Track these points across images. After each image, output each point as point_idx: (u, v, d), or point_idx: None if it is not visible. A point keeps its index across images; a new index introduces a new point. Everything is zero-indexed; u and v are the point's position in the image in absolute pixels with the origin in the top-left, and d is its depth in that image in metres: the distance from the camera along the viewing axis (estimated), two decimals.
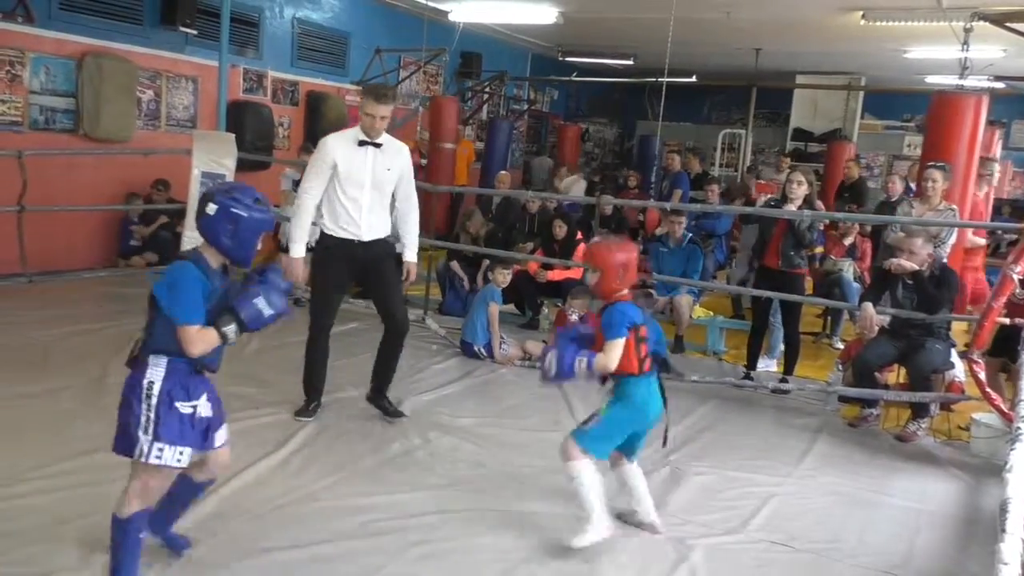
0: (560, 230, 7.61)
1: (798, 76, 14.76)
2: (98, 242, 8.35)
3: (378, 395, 4.71)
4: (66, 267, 7.61)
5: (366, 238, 4.40)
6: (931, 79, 13.02)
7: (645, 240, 8.79)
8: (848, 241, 7.67)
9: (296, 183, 7.52)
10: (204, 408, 2.66)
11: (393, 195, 4.55)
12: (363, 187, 4.34)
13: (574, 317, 6.15)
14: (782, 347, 6.16)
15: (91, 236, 8.27)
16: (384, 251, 4.52)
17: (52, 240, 7.43)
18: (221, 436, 2.78)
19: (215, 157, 7.13)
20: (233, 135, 7.54)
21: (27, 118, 7.70)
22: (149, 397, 2.56)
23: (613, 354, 3.18)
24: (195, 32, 8.69)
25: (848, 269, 7.49)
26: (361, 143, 4.33)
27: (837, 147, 12.41)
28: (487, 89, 13.76)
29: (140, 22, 8.49)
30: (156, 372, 2.59)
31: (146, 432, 2.55)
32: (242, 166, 7.48)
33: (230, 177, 7.18)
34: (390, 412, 4.68)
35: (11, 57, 7.52)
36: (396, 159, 4.42)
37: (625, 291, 3.28)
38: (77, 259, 7.98)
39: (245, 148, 7.84)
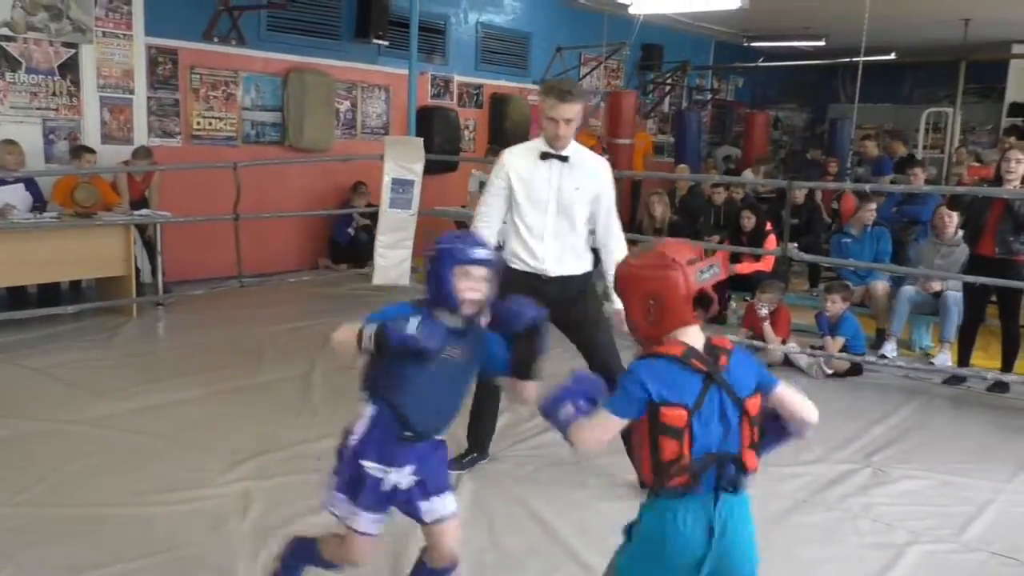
0: (748, 221, 7.37)
1: (1015, 45, 13.45)
2: (302, 246, 8.96)
3: None
4: (273, 270, 8.22)
5: (553, 273, 3.56)
6: None
7: (832, 233, 8.31)
8: None
9: (483, 184, 7.76)
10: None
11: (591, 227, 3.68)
12: (544, 211, 3.53)
13: (763, 312, 5.93)
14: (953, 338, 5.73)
15: (297, 241, 8.88)
16: (582, 288, 3.65)
17: (262, 245, 8.04)
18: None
19: (404, 163, 7.45)
20: (422, 140, 7.85)
21: (240, 133, 8.40)
22: None
23: (587, 434, 1.88)
24: (386, 43, 9.13)
25: None
26: (544, 156, 3.53)
27: None
28: (669, 80, 13.53)
29: (337, 37, 9.02)
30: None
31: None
32: (430, 169, 7.77)
33: (418, 182, 7.48)
34: None
35: (227, 78, 8.22)
36: (589, 178, 3.55)
37: (668, 338, 1.89)
38: (284, 263, 8.60)
39: (433, 151, 8.14)
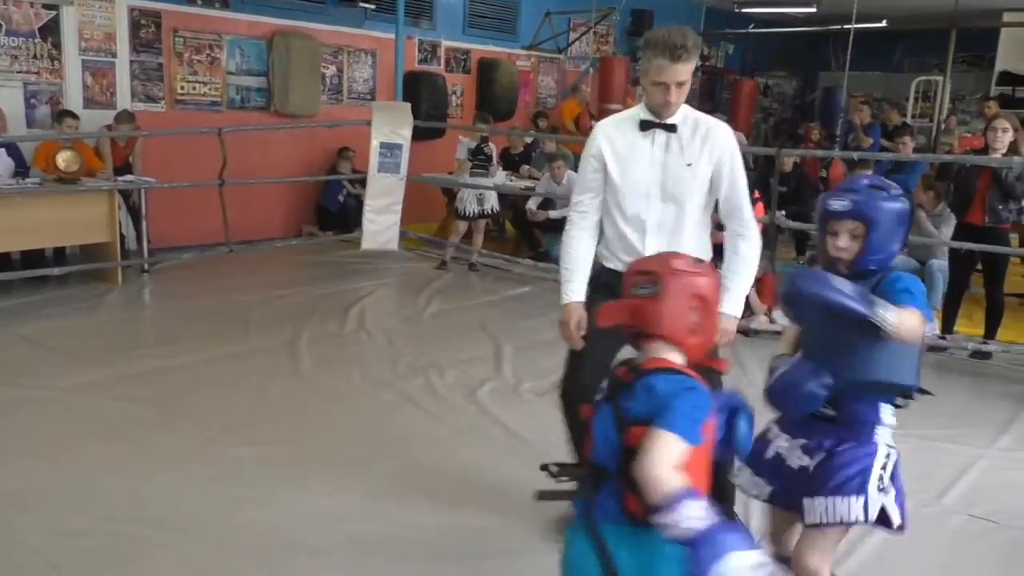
0: None
1: (1005, 14, 13.41)
2: (288, 213, 8.90)
3: None
4: (261, 237, 8.18)
5: None
6: None
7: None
8: None
9: (471, 151, 7.73)
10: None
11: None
12: (647, 195, 2.78)
13: None
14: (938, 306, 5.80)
15: (283, 207, 8.82)
16: None
17: (249, 212, 7.98)
18: None
19: (392, 127, 7.40)
20: (409, 105, 7.79)
21: (225, 98, 8.29)
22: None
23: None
24: (373, 7, 9.01)
25: None
26: (644, 125, 2.77)
27: None
28: None
29: (323, 0, 8.90)
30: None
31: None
32: (417, 135, 7.71)
33: (406, 147, 7.43)
34: None
35: (210, 41, 8.11)
36: (704, 151, 2.75)
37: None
38: (270, 229, 8.55)
39: (421, 117, 8.08)
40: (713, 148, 2.74)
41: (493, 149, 7.88)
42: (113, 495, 3.18)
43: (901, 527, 2.11)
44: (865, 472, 2.07)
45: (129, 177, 6.99)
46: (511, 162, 8.96)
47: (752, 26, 14.58)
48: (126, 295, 6.28)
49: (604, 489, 1.68)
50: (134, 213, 7.12)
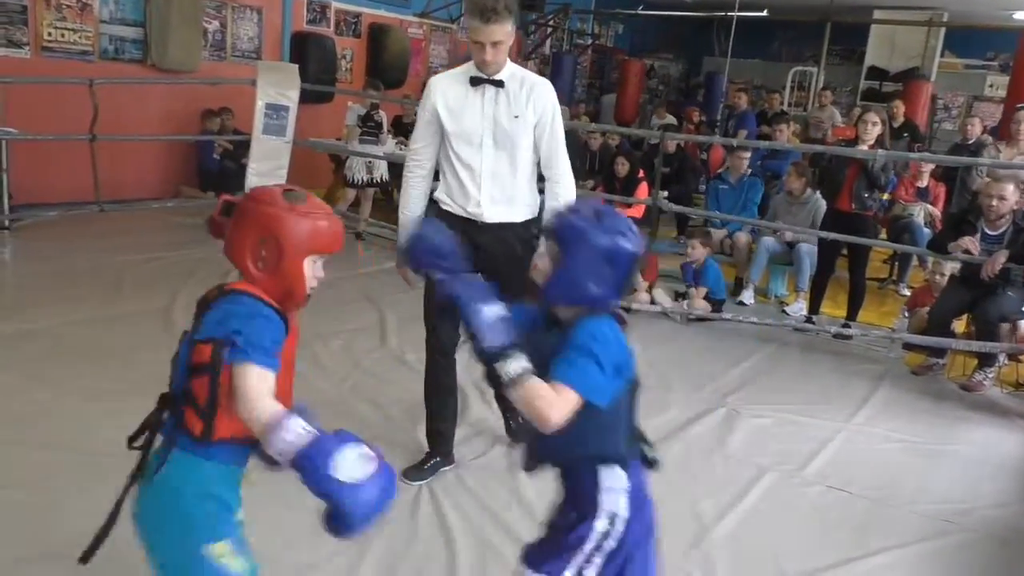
0: (622, 168, 7.52)
1: (876, 11, 14.12)
2: (164, 172, 8.51)
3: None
4: (135, 196, 7.79)
5: (488, 218, 3.08)
6: (1020, 15, 12.35)
7: (707, 180, 8.63)
8: (922, 184, 7.42)
9: (361, 117, 7.57)
10: None
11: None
12: (480, 145, 3.04)
13: None
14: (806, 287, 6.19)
15: (159, 166, 8.42)
16: (518, 240, 3.12)
17: (122, 170, 7.59)
18: None
19: (279, 89, 7.16)
20: (297, 66, 7.56)
21: (97, 47, 7.82)
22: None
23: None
24: None
25: (919, 214, 7.26)
26: (474, 81, 3.03)
27: (914, 86, 11.90)
28: (551, 22, 13.50)
29: None
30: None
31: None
32: (305, 98, 7.50)
33: (293, 109, 7.22)
34: None
35: None
36: (529, 103, 3.02)
37: None
38: (145, 189, 8.15)
39: (309, 80, 7.85)
40: (536, 102, 3.03)
41: (384, 116, 7.75)
42: None
43: None
44: (565, 551, 1.72)
45: None
46: (402, 130, 8.86)
47: (641, 7, 14.84)
48: None
49: (173, 406, 1.66)
50: None
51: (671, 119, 11.62)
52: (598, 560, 1.70)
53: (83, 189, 6.69)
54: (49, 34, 7.49)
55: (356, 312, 5.27)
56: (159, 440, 1.69)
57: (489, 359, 1.59)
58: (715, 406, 4.31)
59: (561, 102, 3.23)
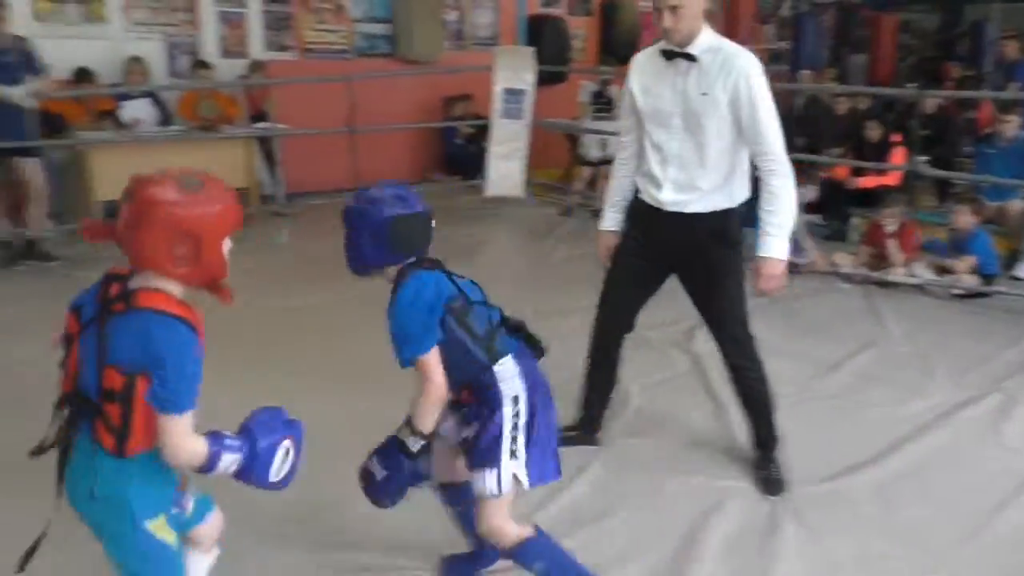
0: (873, 132, 7.00)
1: None
2: (412, 158, 9.03)
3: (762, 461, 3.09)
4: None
5: (670, 207, 2.83)
6: None
7: (975, 142, 7.82)
8: None
9: (594, 95, 7.62)
10: None
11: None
12: (668, 125, 2.79)
13: (889, 229, 5.68)
14: None
15: (409, 153, 8.96)
16: (715, 230, 2.84)
17: (377, 158, 8.14)
18: None
19: (516, 73, 7.35)
20: (532, 50, 7.72)
21: (352, 45, 8.44)
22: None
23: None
24: None
25: None
26: (666, 55, 2.76)
27: None
28: None
29: None
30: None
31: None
32: (540, 80, 7.64)
33: (530, 92, 7.38)
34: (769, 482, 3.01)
35: None
36: (719, 78, 2.67)
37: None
38: (398, 174, 8.65)
39: (543, 62, 7.99)
40: (728, 77, 2.67)
41: (616, 92, 7.74)
42: None
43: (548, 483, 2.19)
44: (493, 444, 2.06)
45: (263, 124, 7.24)
46: None
47: None
48: (263, 238, 6.55)
49: (88, 416, 1.62)
50: (269, 159, 7.39)
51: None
52: (520, 435, 2.06)
53: (344, 177, 7.26)
54: (310, 36, 8.18)
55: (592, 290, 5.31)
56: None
57: (406, 446, 2.08)
58: (987, 392, 3.92)
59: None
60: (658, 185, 2.84)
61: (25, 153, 5.49)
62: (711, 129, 2.73)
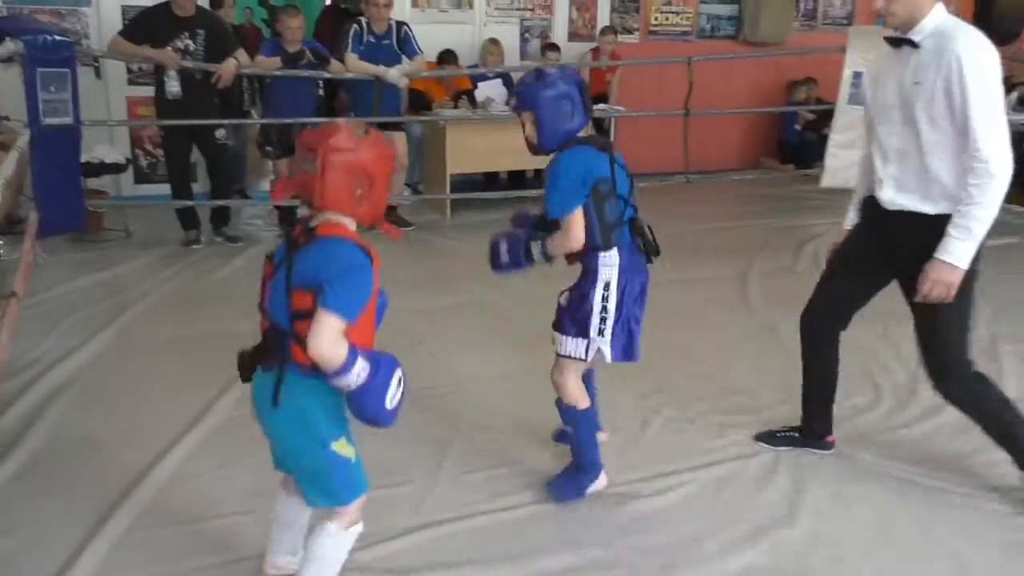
0: None
1: None
2: (745, 144, 8.81)
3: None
4: (718, 168, 8.22)
5: (890, 206, 2.62)
6: None
7: None
8: None
9: None
10: None
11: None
12: (888, 120, 2.59)
13: None
14: None
15: (741, 138, 8.76)
16: (931, 237, 2.49)
17: (709, 142, 8.07)
18: None
19: (868, 55, 6.84)
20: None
21: (696, 27, 8.40)
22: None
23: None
24: None
25: None
26: (891, 42, 2.56)
27: None
28: None
29: None
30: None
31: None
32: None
33: None
34: None
35: None
36: (932, 63, 2.42)
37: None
38: (728, 160, 8.55)
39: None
40: (941, 59, 2.40)
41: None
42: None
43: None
44: (585, 317, 2.54)
45: (602, 106, 7.47)
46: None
47: None
48: None
49: (281, 342, 1.86)
50: None
51: None
52: (609, 317, 2.53)
53: (674, 160, 7.29)
54: (656, 19, 8.27)
55: None
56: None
57: (530, 253, 2.58)
58: None
59: None
60: (880, 183, 2.66)
61: (394, 127, 6.18)
62: (923, 120, 2.48)
